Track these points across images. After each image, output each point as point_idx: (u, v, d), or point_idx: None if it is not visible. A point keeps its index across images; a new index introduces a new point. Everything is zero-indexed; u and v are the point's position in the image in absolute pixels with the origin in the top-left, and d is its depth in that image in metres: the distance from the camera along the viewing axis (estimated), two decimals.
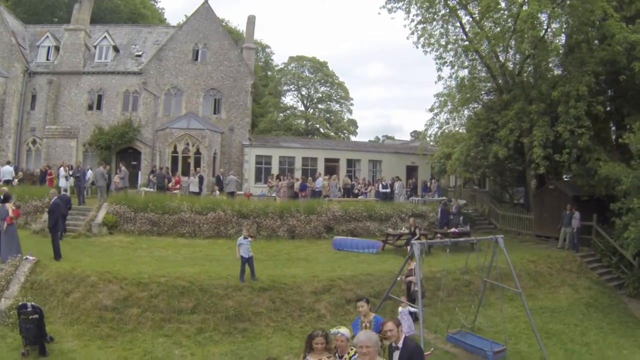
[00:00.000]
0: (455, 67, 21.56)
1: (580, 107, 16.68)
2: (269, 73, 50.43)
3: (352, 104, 47.76)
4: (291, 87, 47.46)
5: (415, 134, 44.37)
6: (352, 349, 5.71)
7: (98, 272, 12.33)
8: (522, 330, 12.09)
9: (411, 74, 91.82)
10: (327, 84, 46.79)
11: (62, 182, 20.71)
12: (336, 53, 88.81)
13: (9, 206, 12.99)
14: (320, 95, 47.28)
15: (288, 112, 46.75)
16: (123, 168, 21.54)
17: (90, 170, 22.62)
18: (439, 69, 21.81)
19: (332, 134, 45.45)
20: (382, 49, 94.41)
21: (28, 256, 12.70)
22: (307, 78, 46.30)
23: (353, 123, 48.69)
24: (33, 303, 9.81)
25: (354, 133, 47.74)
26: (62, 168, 21.21)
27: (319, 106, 47.64)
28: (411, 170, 29.10)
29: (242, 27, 38.31)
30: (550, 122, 17.94)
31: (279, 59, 72.19)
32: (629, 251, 14.34)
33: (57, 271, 12.44)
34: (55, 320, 11.07)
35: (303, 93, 47.30)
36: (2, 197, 13.48)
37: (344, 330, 6.00)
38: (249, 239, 12.95)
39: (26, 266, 12.36)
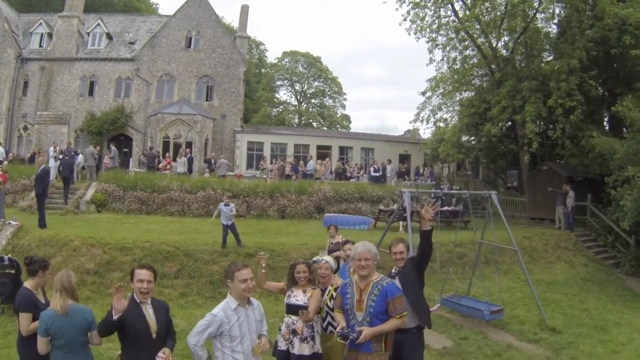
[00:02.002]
0: (447, 49, 21.46)
1: (572, 81, 16.61)
2: (263, 70, 50.32)
3: (345, 99, 47.79)
4: (285, 82, 47.36)
5: (409, 132, 44.14)
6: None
7: (81, 238, 12.05)
8: (519, 299, 11.80)
9: (407, 75, 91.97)
10: (321, 79, 46.70)
11: (51, 162, 20.35)
12: (331, 53, 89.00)
13: None
14: (314, 90, 47.17)
15: (281, 107, 46.63)
16: (113, 148, 21.31)
17: (80, 155, 22.29)
18: (431, 51, 21.74)
19: (326, 128, 45.20)
20: (377, 50, 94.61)
21: (11, 221, 12.48)
22: (300, 73, 46.23)
23: (346, 118, 48.60)
24: (10, 256, 9.49)
25: (348, 128, 47.48)
26: (51, 148, 20.90)
27: (313, 101, 47.54)
28: (404, 159, 28.87)
29: (236, 24, 38.11)
30: (543, 99, 17.83)
31: (273, 56, 71.94)
32: (625, 222, 14.10)
33: (39, 236, 12.17)
34: None
35: (297, 88, 47.23)
36: None
37: (328, 258, 5.59)
38: (231, 206, 12.63)
39: (8, 230, 12.14)
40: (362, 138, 31.09)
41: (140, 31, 30.62)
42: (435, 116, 22.96)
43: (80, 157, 21.82)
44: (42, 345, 3.86)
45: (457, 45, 21.39)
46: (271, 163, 23.09)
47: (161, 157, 22.21)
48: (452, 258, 13.88)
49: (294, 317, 4.88)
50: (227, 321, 3.72)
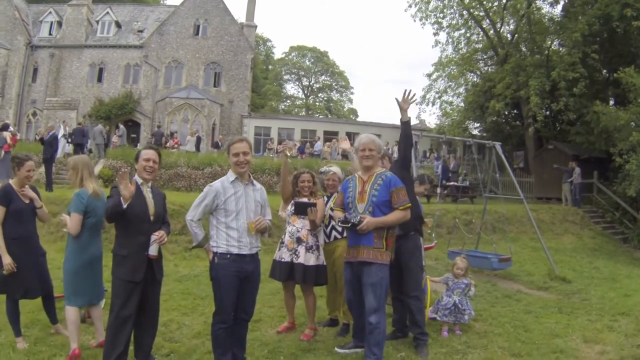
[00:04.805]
0: (452, 29, 21.64)
1: (575, 54, 16.71)
2: (270, 67, 50.60)
3: (352, 93, 48.17)
4: (292, 76, 47.73)
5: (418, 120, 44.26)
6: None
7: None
8: (527, 259, 11.74)
9: (416, 75, 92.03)
10: (328, 74, 46.99)
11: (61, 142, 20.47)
12: (338, 53, 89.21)
13: (7, 134, 13.21)
14: (321, 85, 47.46)
15: (288, 101, 46.97)
16: (121, 126, 21.55)
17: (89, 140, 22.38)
18: (436, 33, 21.91)
19: None
20: (385, 49, 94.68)
21: None
22: (307, 68, 46.56)
23: (354, 112, 48.79)
24: None
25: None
26: (60, 126, 21.03)
27: (319, 95, 47.83)
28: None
29: (242, 19, 38.41)
30: (547, 74, 17.90)
31: (280, 52, 72.18)
32: (631, 189, 14.09)
33: (46, 196, 12.15)
34: (40, 238, 10.86)
35: (304, 83, 47.55)
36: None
37: (335, 169, 5.51)
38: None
39: None
40: (368, 125, 31.09)
41: (149, 20, 31.07)
42: (441, 99, 23.02)
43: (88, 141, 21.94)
44: (78, 223, 3.90)
45: (461, 26, 21.57)
46: (278, 144, 23.29)
47: (169, 138, 22.43)
48: (458, 224, 13.85)
49: (297, 225, 4.75)
50: (222, 192, 3.65)
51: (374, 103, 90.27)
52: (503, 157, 9.85)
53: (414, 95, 4.58)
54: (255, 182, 3.88)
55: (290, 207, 4.90)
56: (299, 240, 4.71)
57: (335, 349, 4.42)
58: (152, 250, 3.65)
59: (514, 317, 6.12)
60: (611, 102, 21.34)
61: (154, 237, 3.64)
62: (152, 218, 3.71)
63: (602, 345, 5.02)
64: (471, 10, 20.73)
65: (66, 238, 4.23)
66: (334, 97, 47.99)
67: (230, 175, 3.75)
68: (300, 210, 4.66)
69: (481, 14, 21.17)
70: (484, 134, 22.55)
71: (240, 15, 46.34)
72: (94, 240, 4.07)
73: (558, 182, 18.54)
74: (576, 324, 5.89)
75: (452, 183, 17.82)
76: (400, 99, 4.55)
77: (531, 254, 12.38)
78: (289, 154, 4.97)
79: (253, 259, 3.77)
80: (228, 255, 3.63)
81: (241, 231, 3.65)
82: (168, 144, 21.28)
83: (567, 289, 8.50)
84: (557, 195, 18.88)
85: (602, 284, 9.21)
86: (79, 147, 17.48)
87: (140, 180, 3.76)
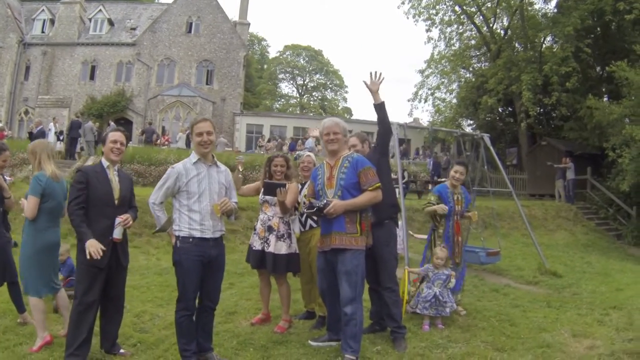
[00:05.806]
0: (444, 25, 21.59)
1: (567, 48, 16.62)
2: (265, 66, 50.46)
3: (346, 92, 48.02)
4: (286, 75, 47.73)
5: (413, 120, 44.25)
6: None
7: None
8: (518, 254, 11.59)
9: (411, 72, 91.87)
10: (322, 72, 46.99)
11: (51, 137, 20.24)
12: (334, 52, 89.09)
13: None
14: (315, 84, 47.44)
15: (283, 100, 46.90)
16: (112, 123, 21.25)
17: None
18: (429, 30, 21.83)
19: None
20: (380, 48, 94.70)
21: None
22: (302, 66, 46.55)
23: (348, 111, 48.68)
24: None
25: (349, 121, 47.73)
26: (51, 123, 20.83)
27: (314, 94, 47.81)
28: (403, 142, 28.67)
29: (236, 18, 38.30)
30: (539, 69, 17.83)
31: (275, 51, 72.05)
32: (625, 184, 13.99)
33: None
34: (21, 230, 10.75)
35: (298, 82, 47.51)
36: None
37: (310, 153, 5.39)
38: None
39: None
40: (362, 122, 30.91)
41: (142, 18, 30.97)
42: (434, 95, 22.90)
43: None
44: (35, 205, 3.75)
45: (453, 22, 21.52)
46: (268, 141, 23.23)
47: (159, 135, 22.31)
48: None
49: (269, 213, 4.65)
50: (185, 174, 3.53)
51: (368, 102, 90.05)
52: (492, 149, 9.65)
53: (381, 75, 4.39)
54: (219, 163, 3.75)
55: (261, 195, 4.74)
56: (270, 229, 4.61)
57: (309, 341, 4.26)
58: (117, 234, 3.58)
59: (500, 311, 5.92)
60: (605, 99, 21.34)
61: (118, 219, 3.57)
62: (116, 202, 3.64)
63: (592, 339, 4.83)
64: (464, 7, 20.65)
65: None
66: (328, 96, 48.00)
67: (193, 157, 3.63)
68: (269, 190, 4.45)
69: (473, 9, 21.09)
70: (477, 131, 22.47)
71: (234, 14, 46.36)
72: (52, 226, 3.93)
73: (551, 178, 18.45)
74: (565, 318, 5.71)
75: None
76: (368, 82, 4.38)
77: (522, 249, 12.26)
78: (241, 169, 4.87)
79: (217, 243, 3.64)
80: (190, 239, 3.50)
81: (204, 214, 3.52)
82: (159, 141, 21.16)
83: (558, 284, 8.32)
84: (551, 191, 18.79)
85: (593, 278, 9.03)
86: (74, 141, 17.34)
87: (106, 163, 3.71)
